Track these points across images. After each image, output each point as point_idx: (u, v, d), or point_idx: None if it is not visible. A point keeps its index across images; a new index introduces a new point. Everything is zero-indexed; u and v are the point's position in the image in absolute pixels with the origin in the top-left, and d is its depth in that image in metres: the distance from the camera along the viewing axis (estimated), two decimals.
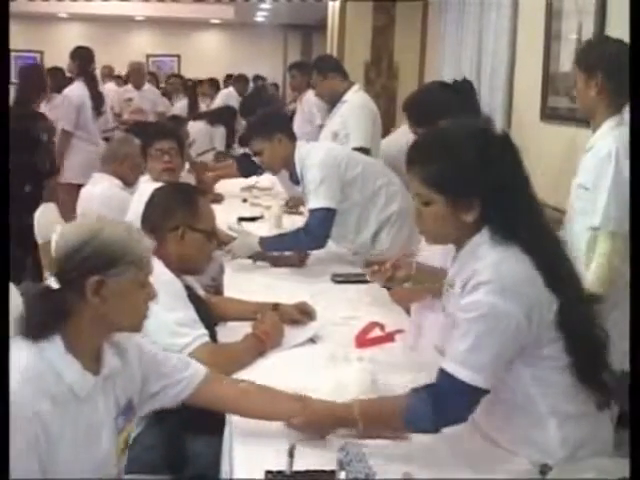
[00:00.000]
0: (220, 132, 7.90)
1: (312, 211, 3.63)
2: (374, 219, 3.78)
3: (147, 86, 9.17)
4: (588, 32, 3.78)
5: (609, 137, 2.69)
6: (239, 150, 7.48)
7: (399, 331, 2.72)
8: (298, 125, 6.07)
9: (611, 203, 2.62)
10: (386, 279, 2.57)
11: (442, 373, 1.83)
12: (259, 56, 16.54)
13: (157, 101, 9.10)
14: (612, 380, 1.92)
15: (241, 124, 8.08)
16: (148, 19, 17.07)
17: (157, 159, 3.92)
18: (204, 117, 8.15)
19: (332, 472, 1.75)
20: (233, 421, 2.06)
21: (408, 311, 2.87)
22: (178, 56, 17.66)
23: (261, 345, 2.52)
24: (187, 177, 4.74)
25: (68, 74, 6.92)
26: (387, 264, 2.54)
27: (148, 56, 16.61)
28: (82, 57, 6.78)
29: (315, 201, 3.59)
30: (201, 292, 2.74)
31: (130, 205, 3.66)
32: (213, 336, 2.52)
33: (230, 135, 7.98)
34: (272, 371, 2.38)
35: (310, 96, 6.23)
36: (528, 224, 1.87)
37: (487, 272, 1.80)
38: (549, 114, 4.17)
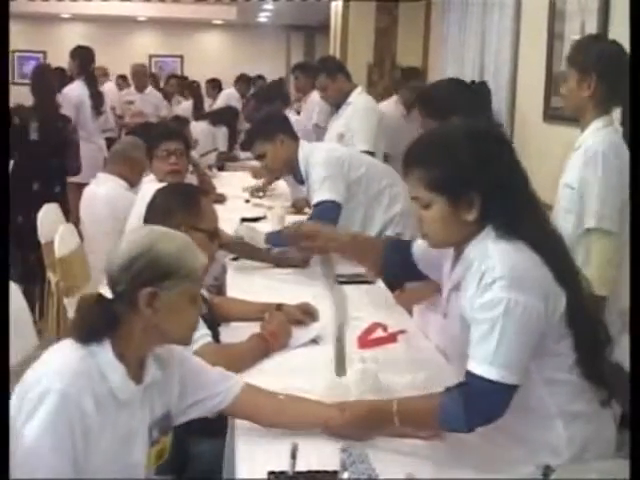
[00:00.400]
0: (222, 132, 7.91)
1: (316, 204, 3.64)
2: (379, 219, 3.78)
3: (149, 89, 9.04)
4: (591, 32, 3.77)
5: (597, 137, 2.69)
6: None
7: (402, 332, 2.72)
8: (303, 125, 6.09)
9: (603, 203, 2.62)
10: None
11: (471, 376, 1.81)
12: (262, 57, 16.53)
13: (159, 105, 9.00)
14: (613, 376, 1.93)
15: (243, 125, 8.10)
16: (151, 19, 17.06)
17: (163, 160, 3.91)
18: (206, 117, 8.16)
19: (335, 473, 1.74)
20: (236, 422, 2.06)
21: (411, 312, 2.87)
22: (181, 57, 17.66)
23: (266, 346, 2.51)
24: (189, 177, 4.74)
25: (68, 73, 6.93)
26: None
27: (151, 56, 16.63)
28: (82, 57, 6.81)
29: (320, 195, 3.60)
30: (204, 292, 2.74)
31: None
32: (216, 336, 2.52)
33: (232, 135, 7.99)
34: (274, 372, 2.38)
35: (315, 97, 6.23)
36: (530, 220, 1.89)
37: (499, 267, 1.80)
38: (552, 114, 4.16)
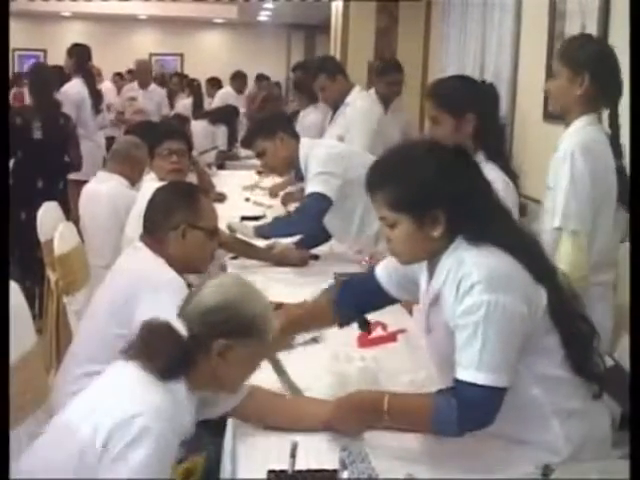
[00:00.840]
0: (222, 131, 7.91)
1: (307, 195, 3.66)
2: (376, 219, 3.77)
3: (153, 86, 8.92)
4: (591, 32, 3.77)
5: (573, 137, 2.66)
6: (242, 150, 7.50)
7: (401, 331, 2.72)
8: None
9: (568, 202, 2.58)
10: None
11: (460, 383, 1.81)
12: (262, 56, 16.54)
13: (162, 103, 8.91)
14: (603, 368, 1.94)
15: (242, 123, 8.11)
16: (151, 18, 17.07)
17: (164, 159, 3.91)
18: (206, 116, 8.16)
19: (334, 472, 1.75)
20: (235, 421, 2.06)
21: (411, 311, 2.87)
22: (181, 55, 17.68)
23: None
24: (189, 176, 4.74)
25: (67, 71, 6.93)
26: None
27: (151, 55, 16.61)
28: (79, 54, 6.81)
29: (312, 186, 3.62)
30: None
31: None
32: None
33: (232, 134, 7.99)
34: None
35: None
36: (499, 227, 1.90)
37: (475, 272, 1.81)
38: (552, 114, 4.16)
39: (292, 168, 3.83)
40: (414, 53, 7.60)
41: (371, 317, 2.80)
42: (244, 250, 3.67)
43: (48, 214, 3.99)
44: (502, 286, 1.80)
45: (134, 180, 4.25)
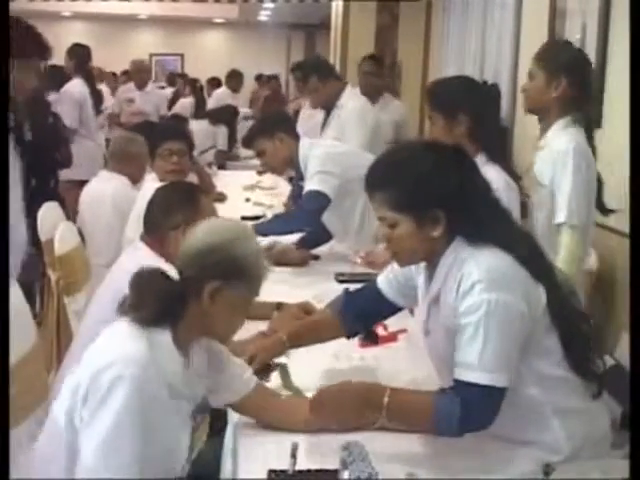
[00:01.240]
0: (222, 132, 7.91)
1: (305, 193, 3.67)
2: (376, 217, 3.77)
3: (150, 87, 8.81)
4: (592, 32, 3.78)
5: (564, 136, 2.82)
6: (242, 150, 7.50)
7: (402, 331, 2.71)
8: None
9: (571, 199, 2.75)
10: None
11: (460, 383, 1.81)
12: (262, 55, 16.54)
13: (160, 103, 8.82)
14: (602, 367, 1.94)
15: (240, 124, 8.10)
16: (152, 18, 17.08)
17: (165, 159, 3.91)
18: (206, 116, 8.15)
19: (335, 472, 1.74)
20: (236, 420, 2.06)
21: (412, 311, 2.86)
22: (182, 55, 17.68)
23: None
24: (190, 177, 4.74)
25: (67, 72, 6.92)
26: None
27: (151, 55, 16.62)
28: (79, 55, 6.80)
29: (310, 185, 3.63)
30: None
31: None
32: None
33: (232, 134, 7.99)
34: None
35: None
36: (498, 226, 1.90)
37: (475, 271, 1.81)
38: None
39: (291, 168, 3.84)
40: (414, 52, 7.62)
41: None
42: None
43: (48, 214, 3.98)
44: (502, 285, 1.80)
45: (136, 177, 4.24)
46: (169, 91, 11.10)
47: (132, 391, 1.62)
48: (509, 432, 1.89)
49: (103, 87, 10.13)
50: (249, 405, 2.00)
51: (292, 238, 3.87)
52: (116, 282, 2.61)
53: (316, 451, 1.87)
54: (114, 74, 11.77)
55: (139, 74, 8.67)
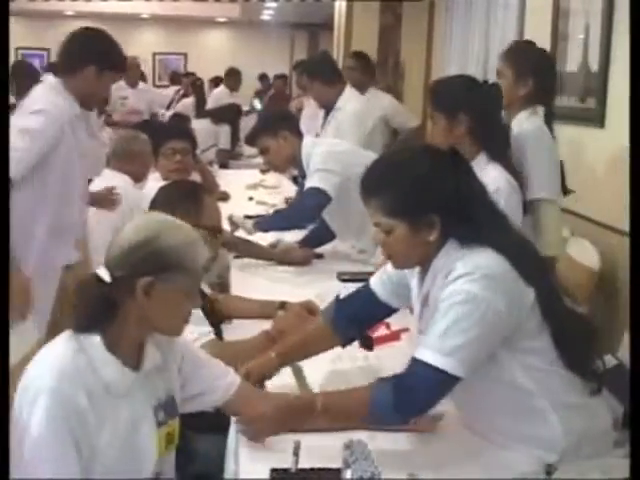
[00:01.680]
0: (225, 131, 7.91)
1: (305, 190, 3.69)
2: None
3: (142, 85, 8.80)
4: (595, 32, 3.78)
5: (523, 125, 3.11)
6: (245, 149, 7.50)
7: (405, 329, 2.72)
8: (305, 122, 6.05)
9: (544, 176, 3.07)
10: None
11: (411, 361, 1.83)
12: (265, 55, 16.55)
13: (153, 101, 8.80)
14: (601, 365, 1.95)
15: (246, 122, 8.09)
16: (155, 17, 17.08)
17: (168, 158, 3.92)
18: (208, 115, 8.15)
19: (337, 470, 1.75)
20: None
21: (412, 310, 2.86)
22: (185, 54, 17.68)
23: (271, 344, 2.50)
24: (194, 176, 4.74)
25: None
26: None
27: (154, 54, 16.65)
28: None
29: (311, 182, 3.64)
30: (207, 290, 2.74)
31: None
32: (219, 334, 2.52)
33: (235, 133, 7.98)
34: None
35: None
36: (492, 228, 1.91)
37: (463, 266, 1.83)
38: (555, 113, 4.15)
39: (294, 166, 3.85)
40: (417, 52, 7.61)
41: None
42: (247, 249, 3.67)
43: None
44: (486, 282, 1.80)
45: (138, 176, 4.23)
46: (170, 90, 11.10)
47: (52, 401, 1.62)
48: (508, 428, 1.91)
49: None
50: (235, 406, 2.00)
51: (295, 237, 3.87)
52: None
53: (318, 450, 1.87)
54: None
55: (130, 71, 8.60)
